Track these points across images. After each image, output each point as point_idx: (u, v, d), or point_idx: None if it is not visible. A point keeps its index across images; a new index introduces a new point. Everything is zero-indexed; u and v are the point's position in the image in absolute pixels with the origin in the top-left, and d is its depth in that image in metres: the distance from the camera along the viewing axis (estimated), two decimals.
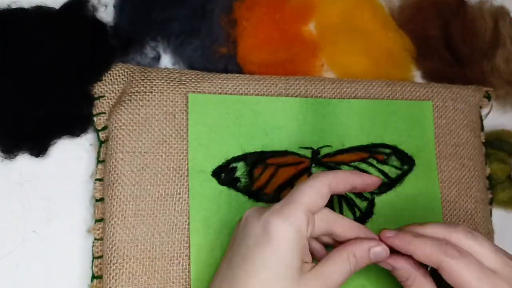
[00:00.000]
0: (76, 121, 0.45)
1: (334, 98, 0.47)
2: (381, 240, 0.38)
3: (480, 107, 0.51)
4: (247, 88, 0.46)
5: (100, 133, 0.44)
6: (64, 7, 0.46)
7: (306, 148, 0.45)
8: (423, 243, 0.36)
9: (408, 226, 0.39)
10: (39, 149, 0.44)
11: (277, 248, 0.34)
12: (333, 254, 0.36)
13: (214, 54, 0.48)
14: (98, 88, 0.45)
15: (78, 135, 0.45)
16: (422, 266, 0.37)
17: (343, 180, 0.38)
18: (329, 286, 0.35)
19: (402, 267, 0.37)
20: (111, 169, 0.42)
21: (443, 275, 0.35)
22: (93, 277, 0.42)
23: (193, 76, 0.46)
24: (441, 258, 0.35)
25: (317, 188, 0.36)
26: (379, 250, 0.37)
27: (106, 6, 0.48)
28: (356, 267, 0.36)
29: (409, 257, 0.37)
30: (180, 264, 0.41)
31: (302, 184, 0.36)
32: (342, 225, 0.38)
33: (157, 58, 0.48)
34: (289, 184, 0.44)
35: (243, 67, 0.49)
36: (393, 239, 0.37)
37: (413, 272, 0.37)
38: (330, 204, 0.44)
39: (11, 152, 0.44)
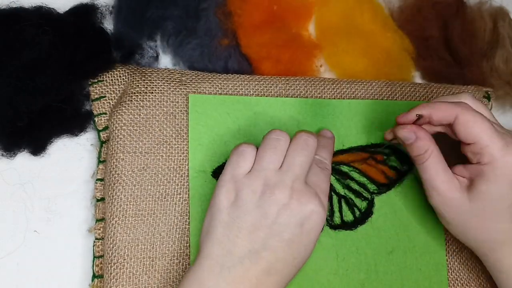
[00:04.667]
0: (73, 119, 0.45)
1: (334, 98, 0.47)
2: (398, 123, 0.41)
3: None
4: (247, 89, 0.46)
5: (101, 133, 0.44)
6: (72, 11, 0.46)
7: None
8: (439, 103, 0.39)
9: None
10: (37, 147, 0.44)
11: None
12: None
13: (215, 49, 0.48)
14: (99, 89, 0.45)
15: (77, 135, 0.46)
16: (436, 144, 0.39)
17: None
18: None
19: (423, 137, 0.39)
20: (112, 169, 0.43)
21: (458, 129, 0.38)
22: (94, 276, 0.42)
23: (193, 77, 0.46)
24: (457, 111, 0.38)
25: None
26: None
27: (111, 12, 0.48)
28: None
29: (427, 132, 0.39)
30: (180, 264, 0.42)
31: None
32: None
33: (156, 58, 0.49)
34: None
35: (249, 55, 0.49)
36: (407, 113, 0.40)
37: (431, 145, 0.39)
38: (329, 202, 0.44)
39: (10, 150, 0.44)
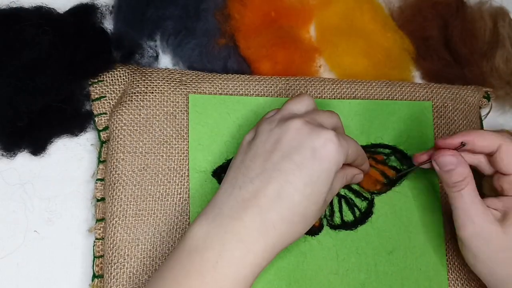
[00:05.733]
0: (73, 119, 0.45)
1: (334, 98, 0.47)
2: (439, 147, 0.41)
3: (480, 108, 0.51)
4: (247, 89, 0.46)
5: (101, 133, 0.44)
6: (72, 11, 0.46)
7: None
8: (482, 131, 0.40)
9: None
10: (37, 147, 0.44)
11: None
12: None
13: (213, 49, 0.48)
14: (99, 89, 0.45)
15: (77, 135, 0.46)
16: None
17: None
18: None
19: (464, 164, 0.39)
20: (112, 169, 0.43)
21: (500, 158, 0.38)
22: (94, 276, 0.42)
23: (193, 77, 0.46)
24: (501, 141, 0.38)
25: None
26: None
27: (111, 12, 0.48)
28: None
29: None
30: None
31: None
32: None
33: (156, 58, 0.49)
34: None
35: (248, 57, 0.49)
36: (449, 138, 0.40)
37: (470, 173, 0.39)
38: (329, 203, 0.44)
39: (10, 150, 0.44)
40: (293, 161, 0.35)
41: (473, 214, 0.38)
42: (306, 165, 0.35)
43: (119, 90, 0.45)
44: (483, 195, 0.40)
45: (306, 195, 0.35)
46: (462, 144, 0.39)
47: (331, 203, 0.45)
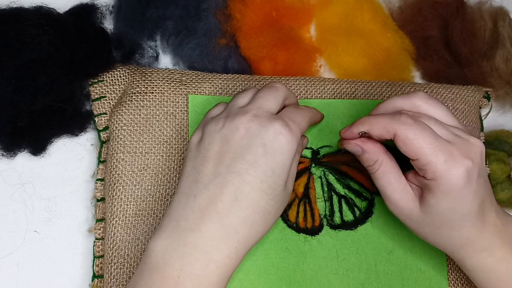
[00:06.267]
0: (73, 119, 0.45)
1: (334, 98, 0.47)
2: (343, 138, 0.40)
3: (480, 107, 0.51)
4: None
5: (101, 133, 0.44)
6: (72, 11, 0.46)
7: (306, 148, 0.45)
8: (377, 118, 0.37)
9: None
10: (37, 147, 0.44)
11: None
12: None
13: (213, 48, 0.48)
14: (99, 89, 0.45)
15: (77, 135, 0.46)
16: (388, 151, 0.39)
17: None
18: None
19: (370, 149, 0.38)
20: (112, 169, 0.43)
21: (399, 145, 0.36)
22: (94, 276, 0.42)
23: (193, 77, 0.46)
24: (396, 127, 0.36)
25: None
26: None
27: (111, 12, 0.48)
28: None
29: (376, 142, 0.38)
30: None
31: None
32: None
33: (156, 57, 0.49)
34: None
35: (248, 57, 0.49)
36: (349, 128, 0.39)
37: (380, 155, 0.38)
38: (329, 202, 0.45)
39: (10, 150, 0.44)
40: (246, 161, 0.34)
41: (390, 193, 0.38)
42: (259, 163, 0.35)
43: (119, 90, 0.45)
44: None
45: (264, 191, 0.35)
46: (363, 133, 0.39)
47: (331, 203, 0.45)
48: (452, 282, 0.45)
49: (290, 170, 0.37)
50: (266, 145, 0.35)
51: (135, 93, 0.44)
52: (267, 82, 0.47)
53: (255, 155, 0.35)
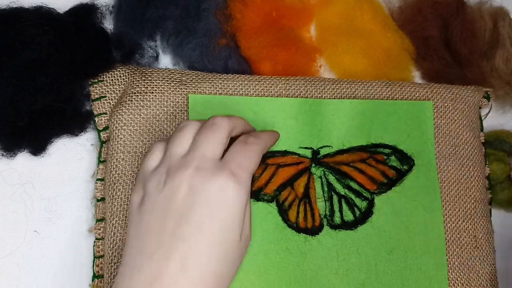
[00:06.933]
0: (73, 119, 0.45)
1: (334, 98, 0.47)
2: None
3: (480, 107, 0.51)
4: (247, 89, 0.46)
5: (101, 133, 0.44)
6: (72, 11, 0.46)
7: (306, 148, 0.45)
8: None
9: None
10: (37, 147, 0.44)
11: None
12: None
13: (213, 49, 0.48)
14: (99, 89, 0.45)
15: (77, 135, 0.46)
16: None
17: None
18: None
19: None
20: (112, 169, 0.43)
21: None
22: (94, 276, 0.42)
23: (193, 77, 0.46)
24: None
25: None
26: None
27: (111, 12, 0.48)
28: None
29: None
30: None
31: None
32: None
33: (156, 57, 0.49)
34: (289, 184, 0.44)
35: (248, 57, 0.49)
36: None
37: None
38: (329, 202, 0.45)
39: (10, 150, 0.44)
40: (191, 224, 0.32)
41: None
42: (206, 224, 0.32)
43: (119, 90, 0.45)
44: None
45: (214, 254, 0.32)
46: None
47: (331, 203, 0.45)
48: (452, 282, 0.45)
49: (244, 218, 0.34)
50: (211, 203, 0.32)
51: (135, 93, 0.44)
52: (267, 83, 0.47)
53: (200, 216, 0.32)
